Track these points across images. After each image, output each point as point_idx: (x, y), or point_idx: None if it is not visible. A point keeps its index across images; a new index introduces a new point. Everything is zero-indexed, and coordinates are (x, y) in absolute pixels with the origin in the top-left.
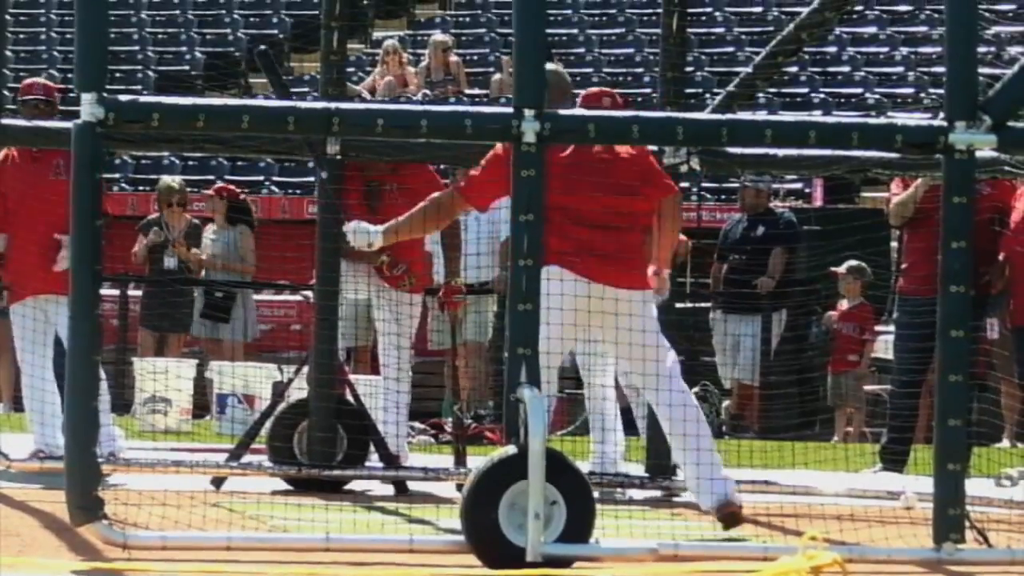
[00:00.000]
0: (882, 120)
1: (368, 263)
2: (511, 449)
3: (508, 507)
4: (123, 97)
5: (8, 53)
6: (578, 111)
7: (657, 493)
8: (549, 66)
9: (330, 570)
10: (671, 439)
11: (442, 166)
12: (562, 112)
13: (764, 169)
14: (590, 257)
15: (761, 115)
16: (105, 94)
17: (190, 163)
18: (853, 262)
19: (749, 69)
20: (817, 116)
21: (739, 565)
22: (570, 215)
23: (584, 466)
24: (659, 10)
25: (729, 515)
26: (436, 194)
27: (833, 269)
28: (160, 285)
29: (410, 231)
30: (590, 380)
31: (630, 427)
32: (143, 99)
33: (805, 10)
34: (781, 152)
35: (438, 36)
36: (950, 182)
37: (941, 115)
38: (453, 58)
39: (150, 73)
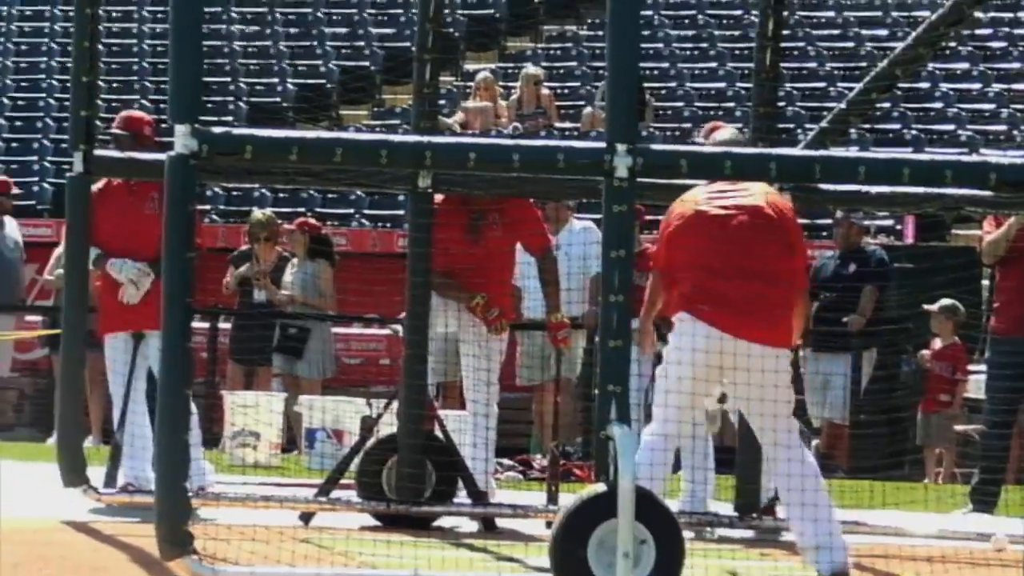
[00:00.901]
0: (976, 158)
1: (462, 301)
2: (600, 487)
3: (597, 545)
4: (216, 129)
5: (101, 83)
6: (670, 146)
7: (747, 533)
8: (730, 134)
9: None
10: (789, 506)
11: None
12: (654, 147)
13: (856, 206)
14: (726, 308)
15: (854, 152)
16: (199, 126)
17: (280, 195)
18: (946, 300)
19: (842, 105)
20: (910, 153)
21: None
22: (700, 265)
23: (674, 504)
24: (752, 44)
25: None
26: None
27: (926, 307)
28: (249, 318)
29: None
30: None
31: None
32: (236, 131)
33: (899, 45)
34: (874, 189)
35: (530, 69)
36: None
37: None
38: (544, 91)
39: (242, 104)
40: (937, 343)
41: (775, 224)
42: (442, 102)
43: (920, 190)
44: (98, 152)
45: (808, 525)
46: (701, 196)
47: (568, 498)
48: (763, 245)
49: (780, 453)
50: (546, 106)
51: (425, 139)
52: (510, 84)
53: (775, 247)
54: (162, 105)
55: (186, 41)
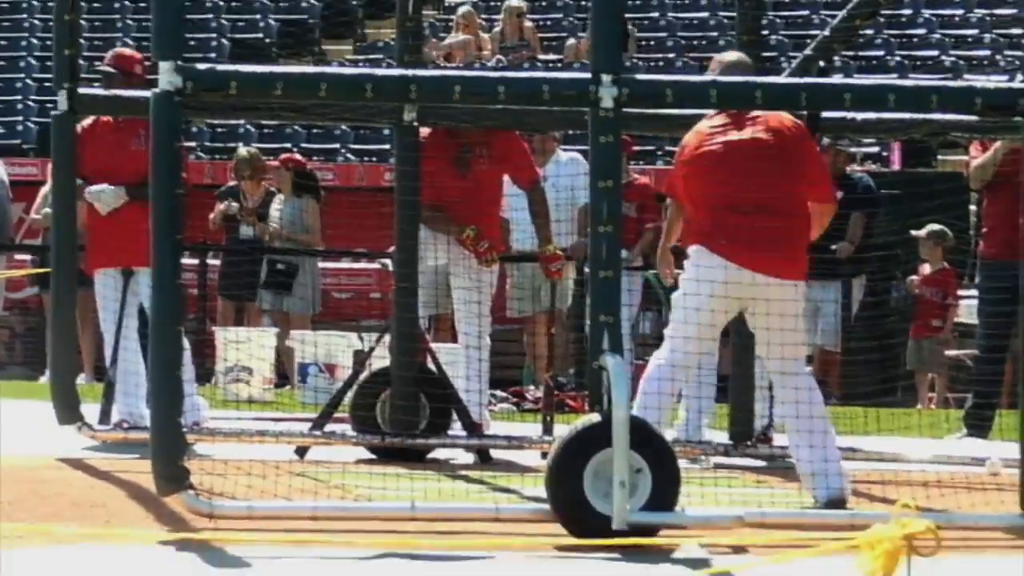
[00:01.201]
0: (961, 83)
1: (452, 235)
2: (595, 417)
3: (593, 475)
4: (200, 66)
5: (83, 22)
6: (656, 76)
7: (743, 461)
8: (736, 55)
9: (417, 539)
10: (792, 432)
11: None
12: (639, 77)
13: (842, 133)
14: (742, 243)
15: (839, 79)
16: (182, 63)
17: (265, 131)
18: (934, 226)
19: (826, 32)
20: (895, 79)
21: (826, 533)
22: (726, 202)
23: (670, 433)
24: None
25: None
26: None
27: (914, 233)
28: (238, 254)
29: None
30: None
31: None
32: (220, 68)
33: None
34: (860, 116)
35: (512, 1)
36: None
37: (1020, 77)
38: (527, 23)
39: (224, 42)
40: (926, 268)
41: (784, 152)
42: (426, 34)
43: (906, 116)
44: (82, 90)
45: (810, 452)
46: (712, 126)
47: (563, 429)
48: (774, 177)
49: (788, 381)
50: (529, 38)
51: (410, 72)
52: (492, 17)
53: (787, 176)
54: (144, 43)
55: None
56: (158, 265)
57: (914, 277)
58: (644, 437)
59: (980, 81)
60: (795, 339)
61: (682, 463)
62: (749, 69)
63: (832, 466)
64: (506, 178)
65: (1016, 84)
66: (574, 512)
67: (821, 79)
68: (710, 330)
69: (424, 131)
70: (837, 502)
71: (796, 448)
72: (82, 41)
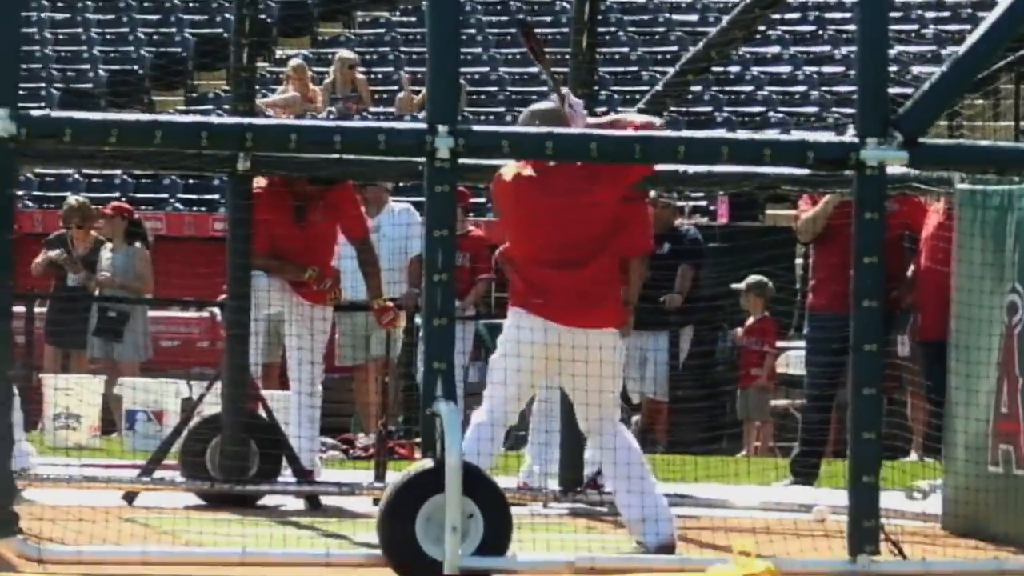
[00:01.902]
0: (794, 137)
1: (293, 278)
2: (428, 463)
3: (425, 520)
4: (35, 112)
5: None
6: (492, 127)
7: (574, 506)
8: (547, 105)
9: None
10: (614, 482)
11: None
12: (475, 128)
13: (675, 186)
14: (554, 298)
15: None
16: (17, 110)
17: (94, 180)
18: (753, 277)
19: (659, 87)
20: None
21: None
22: (524, 254)
23: (512, 479)
24: (564, 29)
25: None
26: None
27: (734, 286)
28: (66, 302)
29: None
30: (544, 396)
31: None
32: (55, 114)
33: (711, 30)
34: (692, 169)
35: (344, 53)
36: (861, 198)
37: (852, 132)
38: (359, 75)
39: (54, 91)
40: (749, 320)
41: (578, 184)
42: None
43: (738, 169)
44: None
45: (633, 499)
46: (516, 177)
47: (395, 475)
48: (572, 218)
49: (605, 428)
50: (360, 90)
51: (246, 121)
52: (324, 70)
53: (586, 214)
54: None
55: (5, 23)
56: None
57: (739, 329)
58: (477, 482)
59: (813, 135)
60: (609, 393)
61: (516, 509)
62: (561, 120)
63: (659, 511)
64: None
65: (847, 138)
66: (406, 557)
67: (655, 132)
68: (529, 390)
69: (261, 182)
70: (667, 547)
71: (619, 496)
72: None
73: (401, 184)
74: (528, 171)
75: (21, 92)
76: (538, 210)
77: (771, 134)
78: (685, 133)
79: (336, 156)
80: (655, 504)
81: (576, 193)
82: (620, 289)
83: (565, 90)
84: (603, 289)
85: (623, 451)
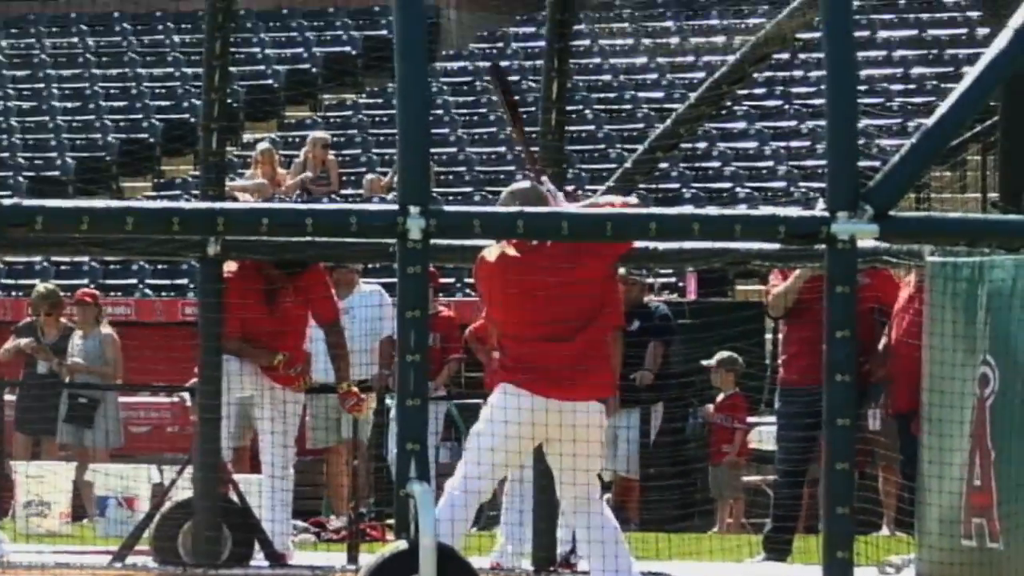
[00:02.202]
0: (765, 211)
1: (263, 363)
2: (402, 544)
3: None
4: (6, 200)
5: None
6: (463, 208)
7: None
8: (525, 184)
9: None
10: (592, 560)
11: None
12: (447, 208)
13: (646, 263)
14: (540, 372)
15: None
16: None
17: (63, 267)
18: (723, 353)
19: (628, 165)
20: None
21: None
22: (511, 332)
23: (483, 561)
24: (530, 108)
25: None
26: None
27: (704, 363)
28: (36, 388)
29: None
30: (517, 476)
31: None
32: (27, 203)
33: (677, 107)
34: (662, 245)
35: (317, 133)
36: (833, 272)
37: (821, 205)
38: (330, 156)
39: (21, 179)
40: (720, 396)
41: (563, 261)
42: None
43: (707, 245)
44: None
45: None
46: (501, 256)
47: (368, 557)
48: (561, 293)
49: (583, 507)
50: (330, 171)
51: (217, 206)
52: (291, 153)
53: (574, 290)
54: None
55: None
56: None
57: (709, 405)
58: (451, 564)
59: (783, 210)
60: (595, 466)
61: None
62: (541, 198)
63: None
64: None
65: (818, 212)
66: None
67: (626, 209)
68: (507, 466)
69: (232, 266)
70: None
71: (596, 574)
72: None
73: (370, 265)
74: (511, 251)
75: None
76: (526, 288)
77: (741, 209)
78: (656, 210)
79: (307, 239)
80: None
81: (562, 270)
82: (610, 360)
83: (544, 178)
84: (592, 361)
85: (604, 529)
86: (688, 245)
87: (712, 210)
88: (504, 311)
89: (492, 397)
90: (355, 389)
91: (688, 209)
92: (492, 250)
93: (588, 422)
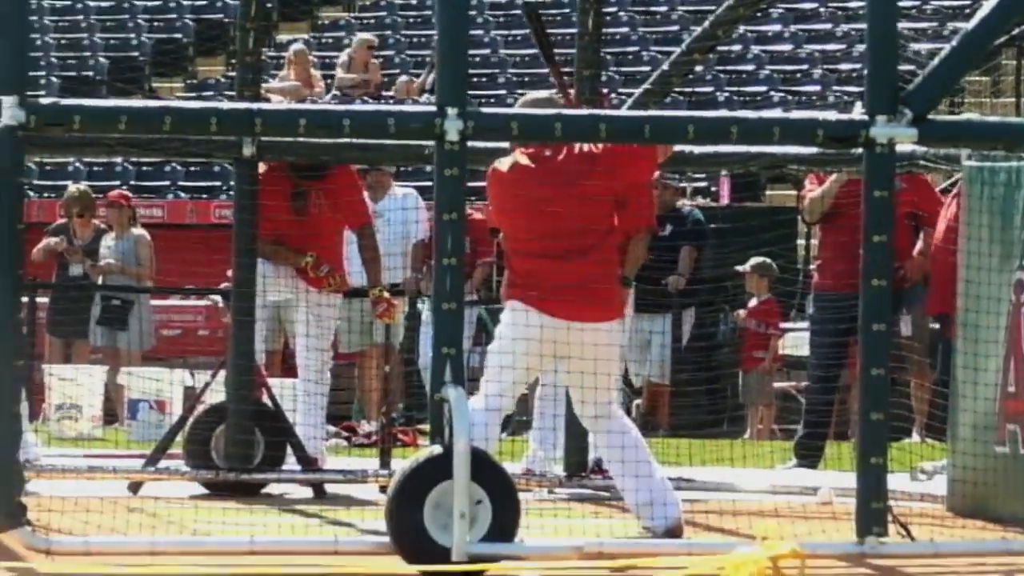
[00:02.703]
0: (803, 115)
1: (292, 264)
2: (436, 449)
3: (433, 507)
4: (44, 100)
5: None
6: (501, 110)
7: (580, 491)
8: (543, 93)
9: (257, 571)
10: (616, 472)
11: None
12: (484, 110)
13: (680, 166)
14: (554, 293)
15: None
16: (26, 97)
17: (95, 169)
18: (757, 259)
19: (665, 67)
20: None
21: (664, 560)
22: (521, 246)
23: (515, 466)
24: (565, 11)
25: (676, 537)
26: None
27: (738, 268)
28: (67, 291)
29: None
30: (544, 380)
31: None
32: (64, 101)
33: (711, 8)
34: (698, 149)
35: (364, 35)
36: (871, 176)
37: (859, 109)
38: (373, 59)
39: (53, 79)
40: (752, 301)
41: (577, 174)
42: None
43: (743, 149)
44: None
45: (639, 484)
46: (513, 166)
47: (402, 461)
48: (569, 207)
49: (601, 425)
50: (371, 73)
51: (255, 106)
52: (324, 54)
53: (584, 204)
54: None
55: (12, 11)
56: None
57: (741, 311)
58: (485, 468)
59: (821, 113)
60: (607, 383)
61: (524, 495)
62: (557, 105)
63: (665, 496)
64: None
65: (857, 116)
66: (414, 544)
67: (664, 112)
68: (524, 381)
69: (261, 167)
70: (674, 531)
71: (624, 483)
72: None
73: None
74: (525, 160)
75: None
76: (534, 199)
77: (778, 113)
78: (694, 113)
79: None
80: (660, 488)
81: (573, 185)
82: (616, 281)
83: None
84: (601, 282)
85: (624, 437)
86: (724, 149)
87: (750, 113)
88: (512, 222)
89: (503, 314)
90: (386, 295)
91: (724, 112)
92: (506, 160)
93: (596, 341)
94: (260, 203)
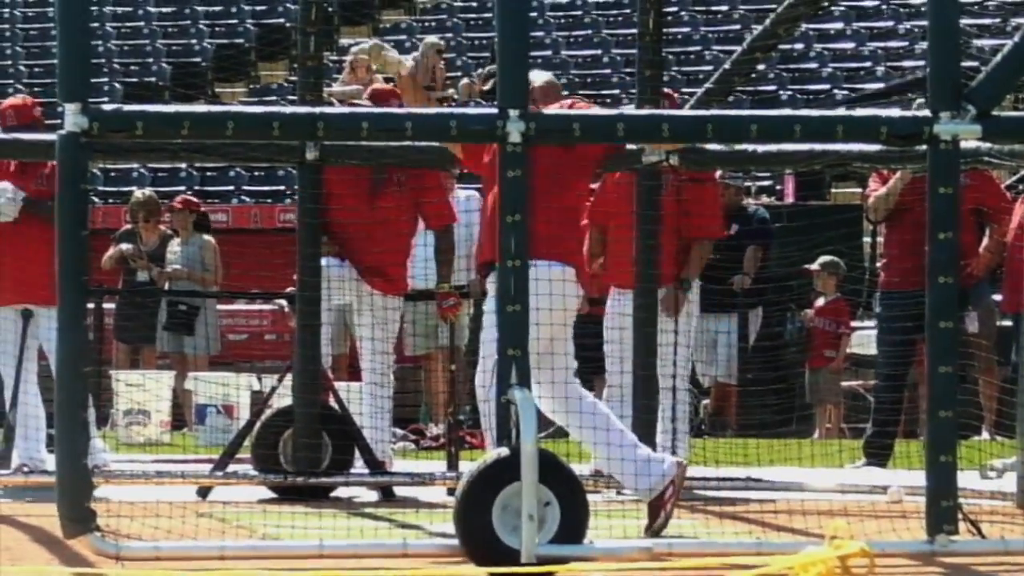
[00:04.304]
0: (867, 112)
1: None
2: (503, 451)
3: (501, 509)
4: (107, 106)
5: None
6: (564, 111)
7: None
8: (542, 74)
9: (326, 575)
10: (586, 443)
11: None
12: (547, 112)
13: (743, 165)
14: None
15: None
16: (88, 104)
17: (159, 175)
18: (826, 258)
19: (727, 66)
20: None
21: (733, 560)
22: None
23: (583, 467)
24: (625, 11)
25: (663, 495)
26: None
27: (807, 267)
28: (135, 296)
29: None
30: (612, 381)
31: None
32: (127, 108)
33: (773, 8)
34: (761, 148)
35: (431, 38)
36: (935, 173)
37: (918, 104)
38: (440, 63)
39: (117, 86)
40: (821, 300)
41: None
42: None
43: (807, 147)
44: None
45: (610, 453)
46: None
47: (469, 464)
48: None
49: (557, 391)
50: (437, 77)
51: (317, 110)
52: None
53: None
54: (35, 89)
55: (74, 17)
56: (65, 306)
57: (808, 310)
58: (553, 470)
59: (885, 111)
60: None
61: (592, 496)
62: (557, 89)
63: (637, 454)
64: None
65: (921, 113)
66: (483, 546)
67: (727, 111)
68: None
69: None
70: (660, 491)
71: (597, 455)
72: None
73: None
74: None
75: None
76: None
77: (841, 111)
78: (757, 111)
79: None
80: (634, 456)
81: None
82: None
83: None
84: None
85: (583, 403)
86: (787, 147)
87: (813, 111)
88: None
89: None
90: (452, 291)
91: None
92: None
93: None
94: (330, 192)
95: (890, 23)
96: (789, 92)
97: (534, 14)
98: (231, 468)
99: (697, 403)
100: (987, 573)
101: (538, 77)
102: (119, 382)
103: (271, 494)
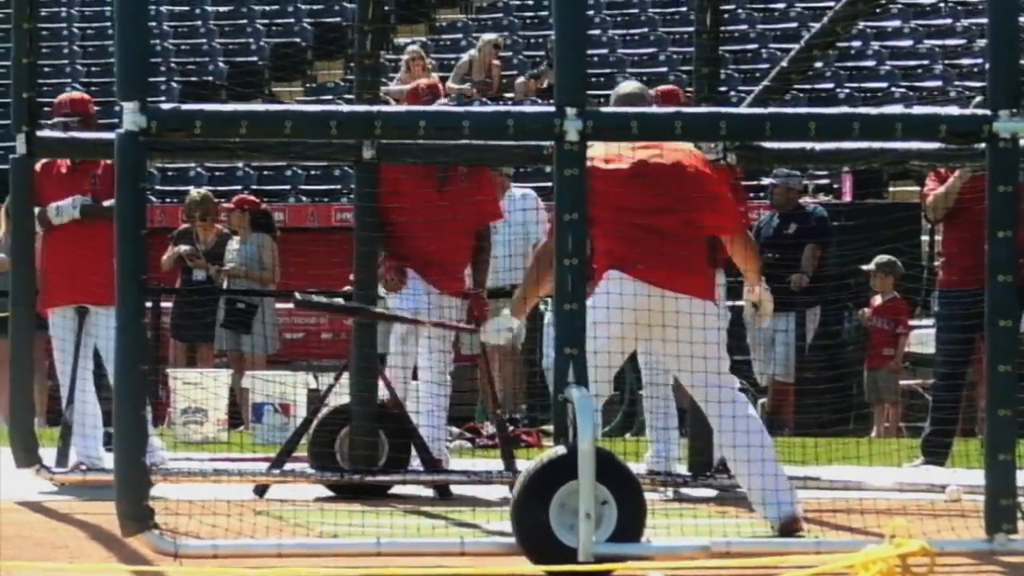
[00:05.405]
0: (926, 110)
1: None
2: (560, 449)
3: (559, 508)
4: (165, 105)
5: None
6: (621, 109)
7: (706, 491)
8: (631, 83)
9: (384, 573)
10: (734, 461)
11: None
12: (603, 110)
13: (801, 164)
14: (653, 262)
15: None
16: (147, 103)
17: (216, 174)
18: (883, 257)
19: (784, 64)
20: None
21: (792, 560)
22: (634, 222)
23: (639, 466)
24: (682, 9)
25: (793, 530)
26: (542, 249)
27: (863, 267)
28: (193, 295)
29: (537, 289)
30: (651, 380)
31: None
32: (185, 106)
33: (830, 5)
34: (819, 146)
35: (489, 36)
36: (995, 171)
37: (976, 101)
38: (496, 60)
39: (174, 85)
40: (877, 299)
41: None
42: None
43: (865, 145)
44: (40, 133)
45: (754, 478)
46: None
47: (527, 462)
48: (681, 201)
49: (714, 409)
50: (493, 75)
51: (374, 108)
52: (441, 56)
53: (695, 202)
54: (92, 88)
55: (133, 16)
56: (123, 305)
57: (866, 309)
58: (610, 469)
59: (944, 109)
60: (712, 366)
61: (648, 495)
62: (647, 99)
63: (782, 489)
64: None
65: (980, 111)
66: (540, 545)
67: (785, 109)
68: (621, 357)
69: None
70: (790, 522)
71: (740, 475)
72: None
73: (519, 169)
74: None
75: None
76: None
77: (900, 109)
78: (815, 109)
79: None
80: (776, 483)
81: None
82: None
83: None
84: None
85: (741, 428)
86: (846, 145)
87: (872, 109)
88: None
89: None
90: (483, 297)
91: (846, 109)
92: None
93: (694, 320)
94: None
95: (948, 20)
96: (847, 90)
97: (591, 12)
98: (288, 466)
99: (754, 402)
100: None
101: (626, 86)
102: (176, 380)
103: (328, 492)
